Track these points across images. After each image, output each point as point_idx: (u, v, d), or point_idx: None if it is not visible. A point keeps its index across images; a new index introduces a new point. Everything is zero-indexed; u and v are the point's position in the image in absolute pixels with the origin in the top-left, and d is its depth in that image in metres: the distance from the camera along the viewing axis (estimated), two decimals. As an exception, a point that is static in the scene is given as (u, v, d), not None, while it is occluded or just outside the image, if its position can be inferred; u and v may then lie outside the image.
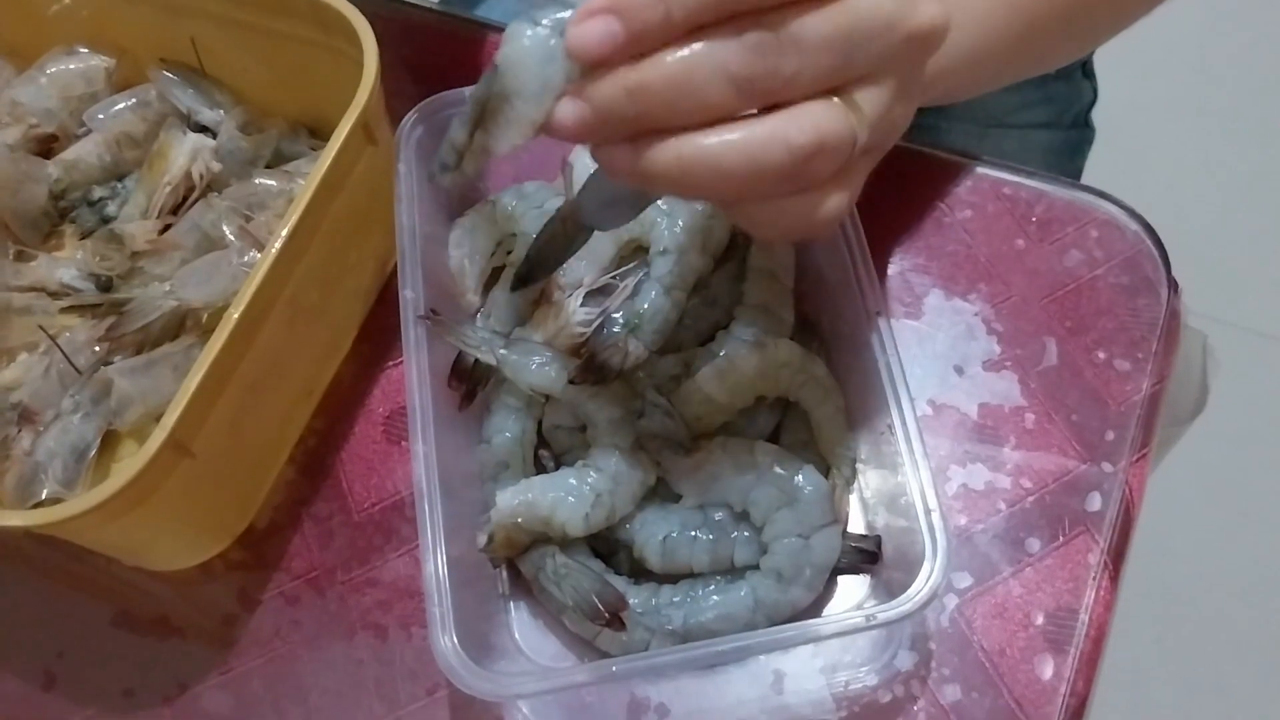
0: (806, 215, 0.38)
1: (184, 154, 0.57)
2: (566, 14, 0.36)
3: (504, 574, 0.51)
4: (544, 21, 0.36)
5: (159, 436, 0.42)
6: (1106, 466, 0.53)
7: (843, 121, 0.36)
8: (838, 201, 0.38)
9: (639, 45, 0.34)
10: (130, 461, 0.42)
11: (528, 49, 0.36)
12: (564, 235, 0.46)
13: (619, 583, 0.48)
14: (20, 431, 0.52)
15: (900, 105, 0.39)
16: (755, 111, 0.36)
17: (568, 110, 0.36)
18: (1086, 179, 0.82)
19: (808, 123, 0.36)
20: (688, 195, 0.45)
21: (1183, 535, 1.24)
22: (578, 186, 0.54)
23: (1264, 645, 1.24)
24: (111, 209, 0.59)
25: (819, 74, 0.36)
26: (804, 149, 0.36)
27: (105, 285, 0.55)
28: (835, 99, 0.36)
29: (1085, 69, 0.80)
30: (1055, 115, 0.79)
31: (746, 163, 0.35)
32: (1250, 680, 1.22)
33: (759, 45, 0.35)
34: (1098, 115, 0.82)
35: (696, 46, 0.34)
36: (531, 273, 0.48)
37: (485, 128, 0.38)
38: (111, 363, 0.52)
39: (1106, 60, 0.76)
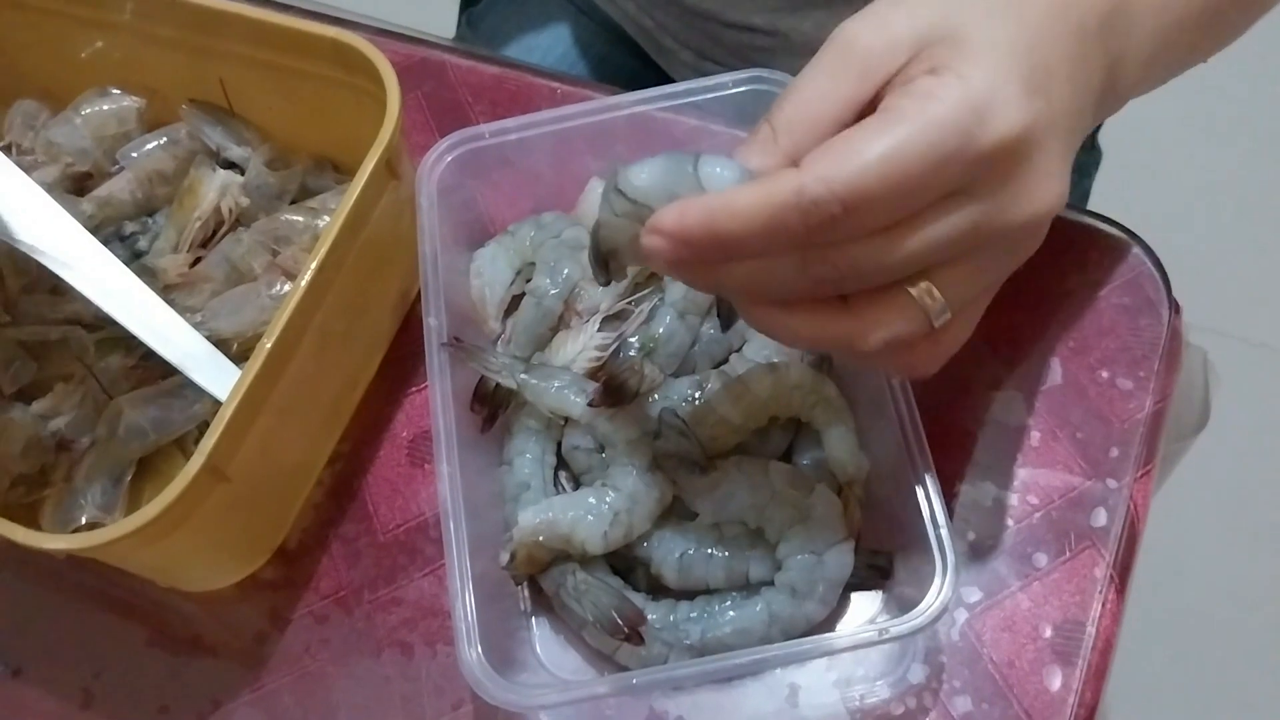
0: (902, 369, 0.41)
1: (213, 190, 0.59)
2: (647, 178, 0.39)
3: (525, 591, 0.52)
4: (626, 193, 0.40)
5: (197, 461, 0.44)
6: (1111, 483, 0.54)
7: (914, 321, 0.38)
8: (928, 365, 0.40)
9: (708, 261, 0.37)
10: (170, 486, 0.44)
11: (616, 225, 0.41)
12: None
13: (637, 599, 0.50)
14: (58, 459, 0.54)
15: (1006, 262, 0.40)
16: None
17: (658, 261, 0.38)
18: (1093, 199, 0.83)
19: (876, 332, 0.37)
20: None
21: (1189, 548, 1.25)
22: (590, 210, 0.57)
23: (1270, 656, 1.24)
24: (143, 244, 0.61)
25: (891, 278, 0.37)
26: (872, 351, 0.38)
27: (139, 317, 0.57)
28: (911, 292, 0.37)
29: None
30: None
31: (817, 345, 0.39)
32: (1256, 691, 1.23)
33: (820, 276, 0.36)
34: (1102, 136, 0.84)
35: (762, 270, 0.37)
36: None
37: (609, 267, 0.44)
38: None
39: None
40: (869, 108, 0.38)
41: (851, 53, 0.38)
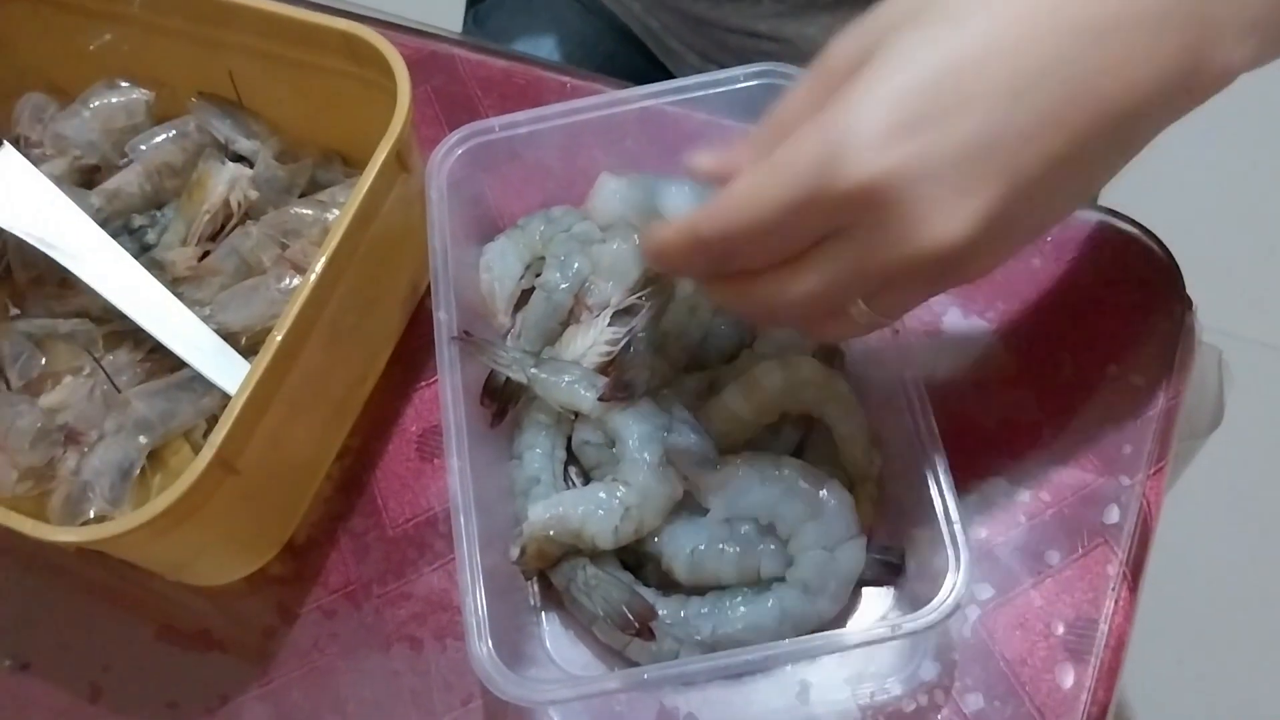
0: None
1: (222, 183, 0.59)
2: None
3: (535, 586, 0.52)
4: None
5: (207, 454, 0.44)
6: (1124, 480, 0.54)
7: (858, 329, 0.42)
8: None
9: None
10: (180, 479, 0.43)
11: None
12: None
13: (648, 594, 0.49)
14: (66, 452, 0.54)
15: (934, 286, 0.40)
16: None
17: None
18: (1104, 195, 0.83)
19: (825, 335, 0.45)
20: None
21: (1202, 546, 1.25)
22: (599, 204, 0.56)
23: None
24: (151, 237, 0.61)
25: (818, 307, 0.41)
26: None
27: (147, 310, 0.57)
28: (846, 311, 0.41)
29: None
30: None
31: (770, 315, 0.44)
32: (1268, 689, 1.24)
33: (755, 302, 0.41)
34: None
35: (718, 291, 0.43)
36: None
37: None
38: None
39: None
40: None
41: (821, 60, 0.39)
